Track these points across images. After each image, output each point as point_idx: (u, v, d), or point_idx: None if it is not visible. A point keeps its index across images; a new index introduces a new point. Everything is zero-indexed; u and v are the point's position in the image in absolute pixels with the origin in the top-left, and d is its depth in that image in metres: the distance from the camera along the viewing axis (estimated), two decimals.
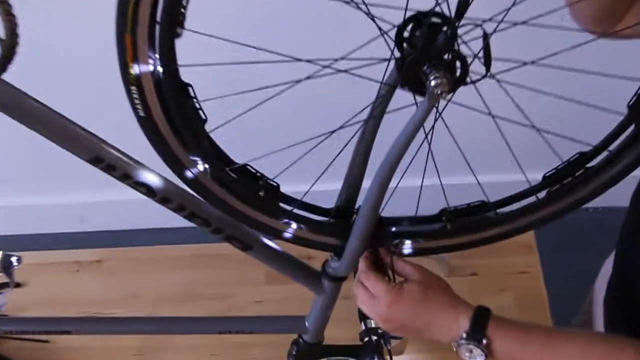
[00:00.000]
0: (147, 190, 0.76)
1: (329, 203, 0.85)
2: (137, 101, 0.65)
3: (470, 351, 0.73)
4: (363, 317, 1.11)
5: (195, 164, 0.73)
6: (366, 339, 1.10)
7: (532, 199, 0.82)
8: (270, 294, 1.50)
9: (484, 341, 0.72)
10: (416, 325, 0.78)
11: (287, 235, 0.84)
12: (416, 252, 0.86)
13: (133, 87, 0.64)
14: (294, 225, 0.83)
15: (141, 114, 0.67)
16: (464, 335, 0.73)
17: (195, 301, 1.50)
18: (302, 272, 0.95)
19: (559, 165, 0.83)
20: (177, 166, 0.73)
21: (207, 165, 0.73)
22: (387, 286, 0.79)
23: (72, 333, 1.04)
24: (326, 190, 0.86)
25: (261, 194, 0.78)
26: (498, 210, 0.84)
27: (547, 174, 0.86)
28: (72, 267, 1.61)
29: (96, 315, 1.46)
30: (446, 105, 0.69)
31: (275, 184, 0.80)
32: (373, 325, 1.13)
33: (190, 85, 0.67)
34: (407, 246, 0.87)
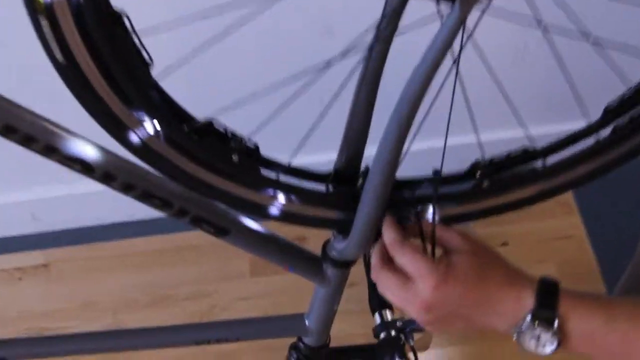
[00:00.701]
0: (82, 166, 0.68)
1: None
2: (51, 41, 0.57)
3: (537, 338, 0.67)
4: (378, 306, 1.07)
5: (141, 123, 0.65)
6: (382, 334, 1.05)
7: (589, 142, 0.77)
8: (258, 288, 1.50)
9: (555, 323, 0.66)
10: (468, 313, 0.70)
11: (274, 211, 0.77)
12: (441, 222, 0.78)
13: (43, 21, 0.56)
14: (281, 198, 0.76)
15: (59, 59, 0.58)
16: (529, 318, 0.67)
17: (167, 304, 1.51)
18: (297, 258, 0.89)
19: (627, 93, 0.75)
20: (117, 129, 0.65)
21: (158, 125, 0.66)
22: (431, 263, 0.70)
23: None
24: (320, 162, 0.82)
25: (234, 158, 0.71)
26: (547, 159, 0.78)
27: (610, 106, 0.76)
28: (13, 275, 1.55)
29: (42, 334, 1.40)
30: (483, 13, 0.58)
31: (252, 145, 0.72)
32: (390, 318, 1.10)
33: (125, 15, 0.59)
34: (430, 214, 0.79)
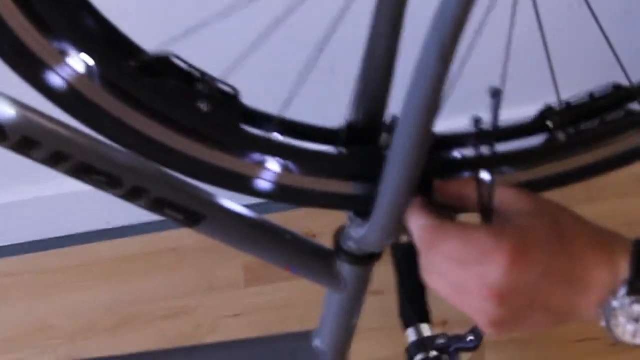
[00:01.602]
0: None
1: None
2: None
3: (636, 319, 0.65)
4: (412, 319, 1.05)
5: (64, 58, 0.61)
6: (418, 356, 1.04)
7: None
8: (255, 301, 1.50)
9: None
10: (550, 296, 0.66)
11: (263, 185, 0.73)
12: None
13: None
14: (272, 165, 0.71)
15: None
16: (623, 291, 0.64)
17: (139, 325, 1.49)
18: (300, 252, 0.85)
19: None
20: (30, 66, 0.61)
21: (90, 61, 0.61)
22: (496, 231, 0.65)
23: None
24: None
25: (202, 107, 0.66)
26: None
27: None
28: None
29: None
30: None
31: (229, 89, 0.67)
32: (428, 333, 1.08)
33: None
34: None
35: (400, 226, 0.74)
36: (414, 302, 1.10)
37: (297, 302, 1.43)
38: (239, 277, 1.52)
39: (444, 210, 0.73)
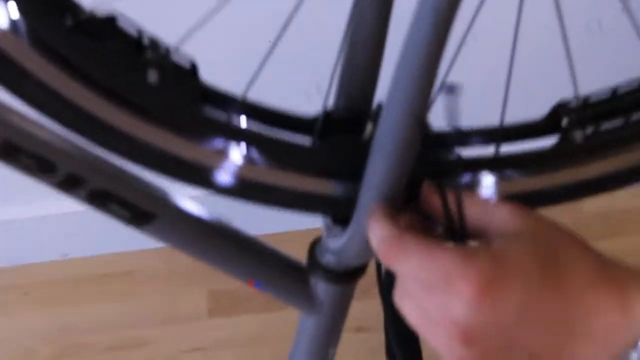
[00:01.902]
0: None
1: None
2: None
3: None
4: (400, 355, 1.00)
5: None
6: None
7: None
8: (220, 334, 1.49)
9: None
10: (536, 342, 0.62)
11: (223, 178, 0.71)
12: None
13: None
14: (235, 156, 0.70)
15: None
16: None
17: (84, 356, 1.48)
18: (268, 266, 0.84)
19: None
20: None
21: (15, 13, 0.60)
22: (464, 255, 0.61)
23: None
24: None
25: (152, 78, 0.64)
26: None
27: None
28: None
29: None
30: None
31: (185, 61, 0.66)
32: None
33: None
34: (487, 190, 0.76)
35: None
36: (403, 341, 1.03)
37: (267, 338, 1.43)
38: (202, 307, 1.52)
39: (427, 222, 0.71)
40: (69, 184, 0.68)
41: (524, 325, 0.61)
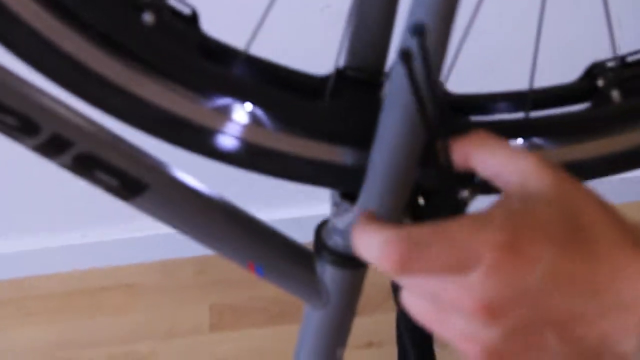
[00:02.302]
0: None
1: None
2: None
3: None
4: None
5: None
6: None
7: None
8: (221, 349, 1.47)
9: None
10: (566, 308, 0.57)
11: (225, 143, 0.68)
12: None
13: None
14: (239, 116, 0.67)
15: None
16: None
17: None
18: (271, 248, 0.81)
19: None
20: None
21: None
22: (482, 218, 0.58)
23: None
24: None
25: (148, 19, 0.61)
26: None
27: None
28: None
29: None
30: None
31: (185, 7, 0.63)
32: None
33: None
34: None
35: (400, 209, 0.69)
36: (418, 348, 1.04)
37: (269, 353, 1.42)
38: (204, 321, 1.50)
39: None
40: (53, 147, 0.66)
41: (552, 291, 0.57)
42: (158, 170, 0.71)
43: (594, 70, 0.71)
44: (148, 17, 0.61)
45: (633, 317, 0.56)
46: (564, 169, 0.62)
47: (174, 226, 0.75)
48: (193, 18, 0.63)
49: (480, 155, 0.62)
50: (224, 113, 0.66)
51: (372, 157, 0.67)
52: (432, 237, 0.58)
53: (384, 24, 0.68)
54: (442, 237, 0.57)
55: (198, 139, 0.66)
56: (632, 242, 0.58)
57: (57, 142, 0.65)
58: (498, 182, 0.61)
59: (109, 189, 0.69)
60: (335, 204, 0.75)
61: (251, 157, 0.68)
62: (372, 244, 0.60)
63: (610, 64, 0.71)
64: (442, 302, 0.58)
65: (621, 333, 0.57)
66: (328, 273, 0.80)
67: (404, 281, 0.60)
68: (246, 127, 0.66)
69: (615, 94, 0.70)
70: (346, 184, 0.72)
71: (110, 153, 0.68)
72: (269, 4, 0.66)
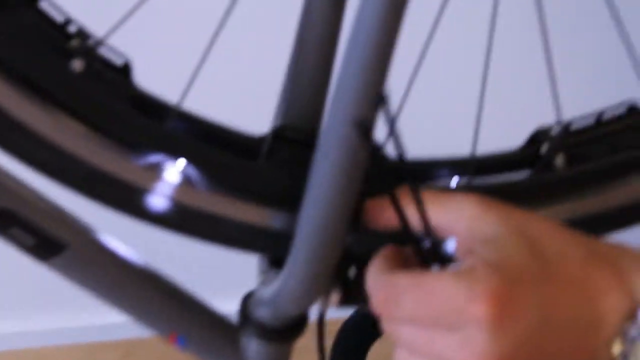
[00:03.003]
0: None
1: None
2: None
3: None
4: None
5: None
6: None
7: None
8: None
9: None
10: (566, 340, 0.60)
11: (155, 203, 0.67)
12: None
13: None
14: (170, 175, 0.66)
15: None
16: None
17: None
18: (193, 319, 0.79)
19: None
20: None
21: None
22: (463, 272, 0.58)
23: None
24: None
25: (76, 67, 0.61)
26: None
27: None
28: None
29: None
30: None
31: (118, 58, 0.64)
32: None
33: None
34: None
35: (327, 277, 0.69)
36: None
37: None
38: None
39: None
40: None
41: (547, 330, 0.59)
42: (78, 230, 0.70)
43: (539, 136, 0.72)
44: (77, 64, 0.60)
45: (607, 331, 0.59)
46: (495, 199, 0.63)
47: (92, 290, 0.72)
48: (125, 69, 0.63)
49: (411, 209, 0.62)
50: (155, 170, 0.65)
51: (300, 217, 0.66)
52: (406, 285, 0.58)
53: (320, 83, 0.68)
54: (417, 286, 0.58)
55: (125, 198, 0.65)
56: (597, 258, 0.61)
57: None
58: (443, 232, 0.62)
59: (25, 247, 0.67)
60: (262, 272, 0.74)
61: (181, 218, 0.67)
62: (369, 284, 0.62)
63: (554, 131, 0.72)
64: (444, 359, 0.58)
65: (599, 348, 0.60)
66: (252, 346, 0.77)
67: (399, 342, 0.61)
68: (177, 187, 0.65)
69: (559, 161, 0.71)
70: (276, 249, 0.71)
71: (29, 209, 0.67)
72: (201, 58, 0.66)
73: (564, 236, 0.62)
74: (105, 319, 1.48)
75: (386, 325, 0.61)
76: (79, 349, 1.53)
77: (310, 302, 0.72)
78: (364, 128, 0.58)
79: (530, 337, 0.57)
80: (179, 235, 0.69)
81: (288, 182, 0.68)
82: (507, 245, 0.59)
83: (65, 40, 0.61)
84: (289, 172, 0.68)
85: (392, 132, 0.59)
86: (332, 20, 0.65)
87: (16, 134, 0.61)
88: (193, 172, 0.65)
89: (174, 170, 0.65)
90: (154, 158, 0.64)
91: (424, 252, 0.62)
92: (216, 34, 0.67)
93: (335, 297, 0.72)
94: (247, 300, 0.77)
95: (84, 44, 0.61)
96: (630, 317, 0.59)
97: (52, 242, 0.67)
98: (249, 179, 0.68)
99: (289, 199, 0.67)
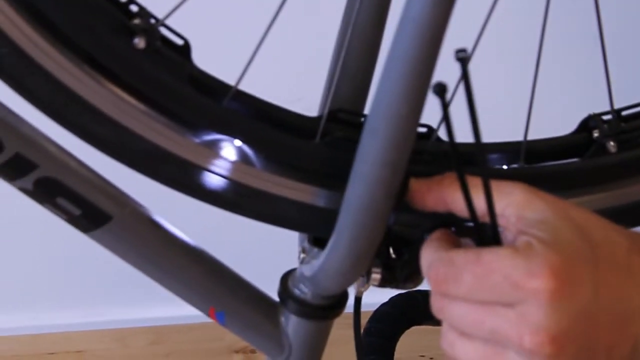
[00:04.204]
0: None
1: None
2: None
3: None
4: None
5: None
6: None
7: None
8: None
9: None
10: (615, 322, 0.60)
11: (212, 181, 0.67)
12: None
13: None
14: (228, 153, 0.66)
15: None
16: None
17: None
18: (234, 294, 0.79)
19: None
20: None
21: None
22: (522, 249, 0.58)
23: None
24: None
25: (137, 43, 0.61)
26: None
27: None
28: None
29: None
30: None
31: (177, 37, 0.63)
32: None
33: None
34: None
35: (370, 252, 0.68)
36: None
37: None
38: None
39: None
40: (15, 168, 0.65)
41: (598, 309, 0.59)
42: (123, 202, 0.70)
43: (590, 122, 0.72)
44: (139, 42, 0.60)
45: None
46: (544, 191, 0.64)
47: (133, 263, 0.73)
48: (185, 48, 0.63)
49: (458, 195, 0.63)
50: (215, 149, 0.65)
51: (345, 195, 0.66)
52: (465, 261, 0.59)
53: (364, 78, 0.69)
54: (476, 262, 0.58)
55: (183, 175, 0.65)
56: (635, 244, 0.61)
57: (20, 163, 0.64)
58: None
59: (70, 218, 0.68)
60: (303, 251, 0.74)
61: (236, 197, 0.67)
62: (425, 262, 0.63)
63: (606, 117, 0.72)
64: (498, 340, 0.58)
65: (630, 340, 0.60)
66: (292, 324, 0.79)
67: (449, 322, 0.61)
68: (234, 165, 0.66)
69: (610, 145, 0.71)
70: (322, 228, 0.70)
71: (75, 180, 0.67)
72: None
73: (606, 224, 0.62)
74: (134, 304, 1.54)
75: (438, 304, 0.61)
76: (109, 334, 1.55)
77: (351, 280, 0.73)
78: (441, 89, 0.57)
79: (584, 315, 0.58)
80: (233, 213, 0.69)
81: (340, 162, 0.67)
82: (558, 227, 0.60)
83: (128, 18, 0.61)
84: (341, 152, 0.68)
85: (445, 116, 0.58)
86: (376, 21, 0.66)
87: (75, 109, 0.61)
88: (249, 151, 0.66)
89: (231, 148, 0.66)
90: (212, 136, 0.65)
91: (482, 234, 0.62)
92: (273, 19, 0.66)
93: (375, 276, 0.72)
94: (287, 278, 0.78)
95: (145, 23, 0.61)
96: None
97: (98, 212, 0.68)
98: (303, 158, 0.68)
99: (340, 177, 0.68)
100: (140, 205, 0.71)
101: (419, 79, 0.58)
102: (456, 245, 0.65)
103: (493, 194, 0.61)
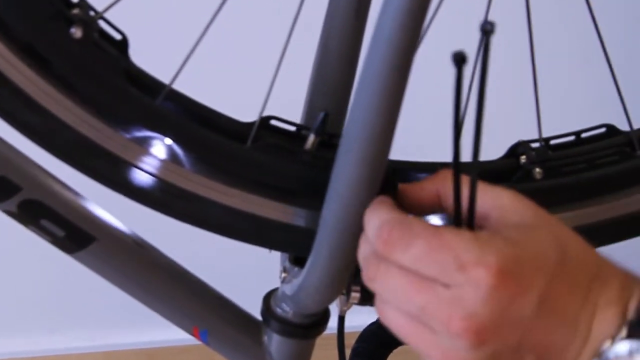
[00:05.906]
0: None
1: None
2: None
3: None
4: None
5: None
6: None
7: None
8: None
9: None
10: (552, 335, 0.61)
11: (140, 178, 0.67)
12: None
13: None
14: (158, 150, 0.66)
15: None
16: (624, 332, 0.60)
17: None
18: (216, 313, 0.80)
19: None
20: None
21: None
22: (482, 238, 0.59)
23: None
24: None
25: (74, 33, 0.61)
26: None
27: None
28: None
29: None
30: None
31: (115, 32, 0.64)
32: None
33: None
34: None
35: (349, 270, 0.69)
36: None
37: None
38: None
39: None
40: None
41: (539, 319, 0.59)
42: (105, 223, 0.71)
43: (518, 148, 0.74)
44: (75, 31, 0.60)
45: (589, 346, 0.60)
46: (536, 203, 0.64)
47: (117, 283, 0.74)
48: (122, 43, 0.63)
49: (448, 188, 0.63)
50: (142, 146, 0.65)
51: (322, 214, 0.67)
52: (424, 230, 0.59)
53: (344, 83, 0.69)
54: (434, 235, 0.58)
55: (110, 169, 0.65)
56: (607, 273, 0.61)
57: (3, 186, 0.65)
58: (478, 215, 0.63)
59: (54, 240, 0.69)
60: (284, 270, 0.75)
61: (165, 197, 0.67)
62: (374, 221, 0.62)
63: (534, 145, 0.74)
64: (426, 315, 0.58)
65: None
66: (275, 343, 0.79)
67: (386, 284, 0.61)
68: (163, 164, 0.65)
69: (536, 172, 0.73)
70: (296, 247, 0.72)
71: (59, 202, 0.68)
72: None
73: (587, 248, 0.63)
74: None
75: (373, 271, 0.62)
76: (103, 357, 1.56)
77: (331, 299, 0.73)
78: (461, 57, 0.56)
79: (518, 320, 0.58)
80: (162, 214, 0.68)
81: (269, 168, 0.68)
82: (532, 233, 0.61)
83: (68, 8, 0.61)
84: (271, 158, 0.68)
85: (457, 88, 0.56)
86: (354, 27, 0.67)
87: (10, 96, 0.61)
88: (179, 151, 0.66)
89: (161, 147, 0.65)
90: (143, 133, 0.65)
91: (458, 221, 0.62)
92: (211, 20, 0.67)
93: (355, 295, 0.73)
94: (269, 298, 0.78)
95: (84, 14, 0.62)
96: (614, 337, 0.60)
97: (81, 234, 0.69)
98: (232, 161, 0.68)
99: (269, 184, 0.69)
100: (123, 227, 0.72)
101: (391, 99, 0.59)
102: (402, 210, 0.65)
103: (481, 196, 0.62)
